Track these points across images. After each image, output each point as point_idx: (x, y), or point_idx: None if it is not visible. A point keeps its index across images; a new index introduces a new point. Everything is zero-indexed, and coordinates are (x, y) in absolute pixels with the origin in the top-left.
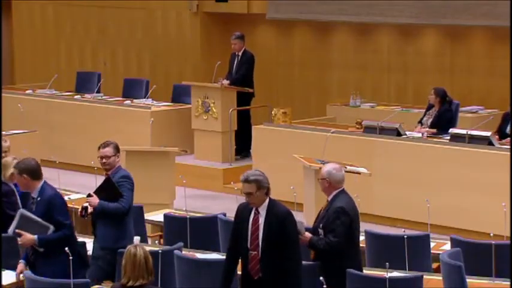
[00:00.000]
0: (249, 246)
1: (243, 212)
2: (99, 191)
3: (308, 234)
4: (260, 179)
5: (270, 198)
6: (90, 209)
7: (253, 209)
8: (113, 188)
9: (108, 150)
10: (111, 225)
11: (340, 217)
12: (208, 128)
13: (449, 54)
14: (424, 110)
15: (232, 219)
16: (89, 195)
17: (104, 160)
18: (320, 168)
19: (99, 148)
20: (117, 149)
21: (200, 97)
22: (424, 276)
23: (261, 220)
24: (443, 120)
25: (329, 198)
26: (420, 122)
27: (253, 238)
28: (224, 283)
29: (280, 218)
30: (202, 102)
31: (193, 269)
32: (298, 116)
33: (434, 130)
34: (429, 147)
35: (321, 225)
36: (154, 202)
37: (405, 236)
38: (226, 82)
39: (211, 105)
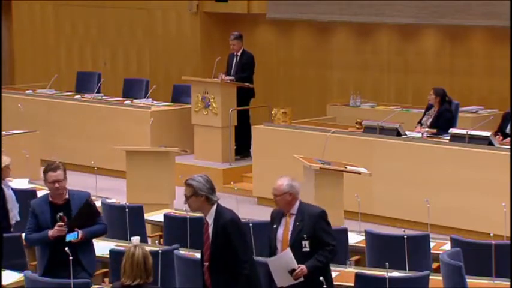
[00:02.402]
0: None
1: (203, 222)
2: (79, 219)
3: (302, 267)
4: (195, 185)
5: (218, 207)
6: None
7: (204, 218)
8: (93, 212)
9: (60, 173)
10: (91, 249)
11: (327, 219)
12: (208, 123)
13: (449, 54)
14: (423, 110)
15: None
16: (60, 218)
17: (56, 184)
18: (320, 168)
19: (47, 171)
20: (65, 170)
21: (200, 92)
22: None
23: (210, 230)
24: (443, 120)
25: (293, 211)
26: (420, 122)
27: (205, 249)
28: None
29: (224, 227)
30: (202, 97)
31: (193, 269)
32: (298, 116)
33: (435, 130)
34: (429, 147)
35: (304, 236)
36: (154, 202)
37: (405, 236)
38: (227, 77)
39: (211, 100)
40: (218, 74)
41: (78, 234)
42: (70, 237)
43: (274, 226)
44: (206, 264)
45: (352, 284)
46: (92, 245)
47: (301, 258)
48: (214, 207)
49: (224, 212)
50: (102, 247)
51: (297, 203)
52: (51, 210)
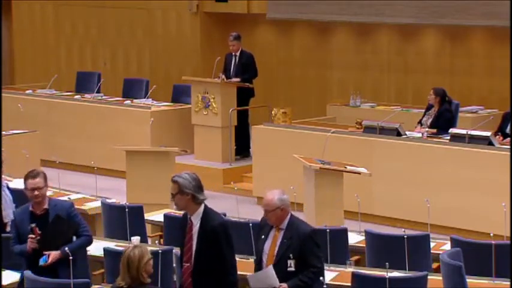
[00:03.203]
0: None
1: (182, 220)
2: (50, 234)
3: (284, 286)
4: (181, 182)
5: (206, 208)
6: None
7: (188, 217)
8: (68, 225)
9: (40, 181)
10: (77, 266)
11: (317, 241)
12: (208, 123)
13: (449, 54)
14: (423, 110)
15: (233, 219)
16: (32, 230)
17: (36, 192)
18: (320, 168)
19: (26, 179)
20: (46, 178)
21: (200, 92)
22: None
23: (195, 230)
24: (443, 120)
25: (282, 226)
26: (420, 122)
27: (186, 249)
28: None
29: (212, 231)
30: (202, 97)
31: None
32: (298, 116)
33: (435, 130)
34: (429, 147)
35: (290, 255)
36: (154, 202)
37: (405, 236)
38: (233, 79)
39: (211, 100)
40: (218, 74)
41: (46, 258)
42: (41, 261)
43: (262, 237)
44: (186, 265)
45: (353, 284)
46: (77, 261)
47: (286, 277)
48: (202, 207)
49: (213, 214)
50: (102, 247)
51: (287, 218)
52: (30, 220)
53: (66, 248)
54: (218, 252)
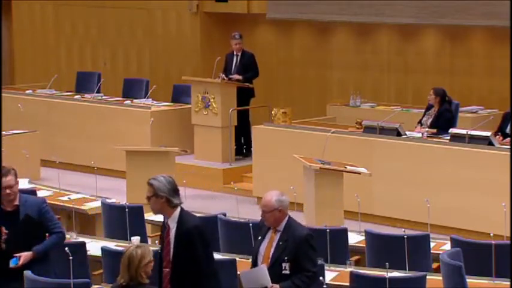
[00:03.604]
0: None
1: (163, 225)
2: (19, 235)
3: (276, 286)
4: (156, 185)
5: (182, 211)
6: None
7: (165, 221)
8: (37, 224)
9: (11, 179)
10: (48, 267)
11: (312, 244)
12: (208, 123)
13: (449, 54)
14: (423, 110)
15: (233, 219)
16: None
17: (7, 191)
18: (320, 168)
19: None
20: (16, 175)
21: (200, 92)
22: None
23: (172, 234)
24: (443, 120)
25: (280, 228)
26: (420, 122)
27: (164, 254)
28: None
29: (187, 234)
30: (202, 97)
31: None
32: (298, 116)
33: (435, 130)
34: (429, 147)
35: (285, 258)
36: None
37: (405, 236)
38: (235, 76)
39: (211, 100)
40: (218, 74)
41: (17, 260)
42: (11, 263)
43: (259, 238)
44: (166, 270)
45: (352, 284)
46: (47, 261)
47: (280, 279)
48: (178, 211)
49: (188, 217)
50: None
51: (285, 220)
52: (0, 218)
53: (37, 248)
54: (194, 255)
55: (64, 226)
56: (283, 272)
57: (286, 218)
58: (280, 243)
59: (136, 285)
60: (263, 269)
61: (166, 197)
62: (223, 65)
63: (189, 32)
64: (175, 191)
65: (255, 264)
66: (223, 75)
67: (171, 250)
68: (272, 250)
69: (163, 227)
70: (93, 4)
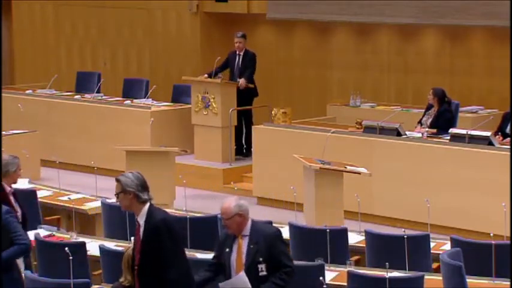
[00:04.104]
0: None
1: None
2: None
3: None
4: (123, 181)
5: (151, 207)
6: None
7: (136, 219)
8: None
9: None
10: (12, 277)
11: (283, 239)
12: (208, 123)
13: (449, 54)
14: (423, 110)
15: None
16: None
17: None
18: (320, 168)
19: None
20: None
21: (200, 92)
22: (424, 276)
23: (141, 231)
24: (443, 120)
25: (245, 233)
26: (420, 122)
27: (136, 251)
28: None
29: (155, 228)
30: (202, 97)
31: (193, 269)
32: (298, 116)
33: (435, 130)
34: (429, 147)
35: (260, 259)
36: (154, 202)
37: (405, 236)
38: (243, 81)
39: (211, 100)
40: (212, 70)
41: None
42: None
43: (227, 250)
44: (137, 268)
45: (350, 284)
46: (12, 270)
47: (258, 282)
48: (146, 207)
49: (156, 212)
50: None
51: (249, 224)
52: None
53: None
54: (160, 248)
55: (64, 226)
56: (260, 273)
57: (250, 222)
58: (251, 246)
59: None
60: (242, 277)
61: (134, 192)
62: (223, 61)
63: (189, 32)
64: (143, 187)
65: (229, 277)
66: (220, 75)
67: (140, 247)
68: (243, 256)
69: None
70: (93, 4)
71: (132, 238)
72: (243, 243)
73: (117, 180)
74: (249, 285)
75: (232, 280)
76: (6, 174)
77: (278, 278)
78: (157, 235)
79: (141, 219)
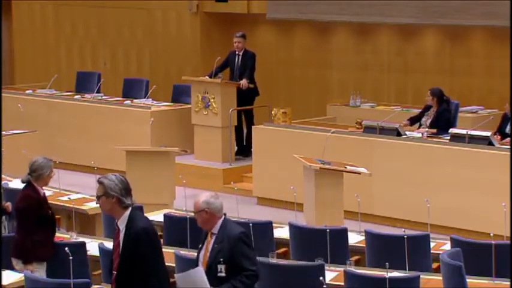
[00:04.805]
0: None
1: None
2: None
3: None
4: (106, 184)
5: (132, 212)
6: None
7: (115, 223)
8: None
9: None
10: None
11: (247, 242)
12: (208, 123)
13: (449, 54)
14: (419, 110)
15: (233, 219)
16: None
17: None
18: (320, 168)
19: None
20: None
21: (200, 92)
22: (424, 276)
23: (121, 236)
24: (443, 120)
25: (214, 231)
26: (410, 120)
27: (114, 256)
28: None
29: (136, 235)
30: (202, 97)
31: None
32: (298, 116)
33: (435, 130)
34: (429, 147)
35: (220, 259)
36: (154, 202)
37: (405, 236)
38: (245, 82)
39: (211, 100)
40: (212, 70)
41: None
42: None
43: (200, 246)
44: (115, 273)
45: (348, 284)
46: None
47: (216, 283)
48: (128, 212)
49: (138, 218)
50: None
51: (219, 222)
52: None
53: None
54: (141, 257)
55: (64, 226)
56: (219, 274)
57: (221, 220)
58: (216, 245)
59: None
60: (200, 271)
61: (117, 196)
62: (223, 60)
63: (189, 32)
64: (127, 191)
65: None
66: (220, 75)
67: (120, 253)
68: (208, 254)
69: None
70: (93, 4)
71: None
72: (211, 241)
73: (100, 183)
74: (206, 281)
75: (189, 272)
76: (40, 177)
77: (238, 281)
78: (138, 243)
79: (122, 224)
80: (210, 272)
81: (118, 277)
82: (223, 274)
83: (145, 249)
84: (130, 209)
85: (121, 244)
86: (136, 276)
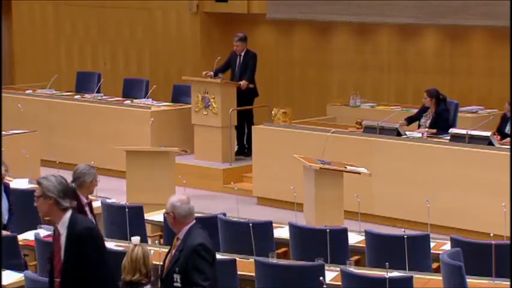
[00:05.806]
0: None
1: (54, 231)
2: None
3: None
4: (45, 185)
5: (73, 215)
6: None
7: (55, 226)
8: None
9: None
10: None
11: (203, 255)
12: (208, 123)
13: (449, 54)
14: (416, 110)
15: (233, 219)
16: None
17: None
18: (320, 168)
19: None
20: None
21: (200, 92)
22: (424, 276)
23: (62, 240)
24: (442, 121)
25: (180, 236)
26: (407, 119)
27: (55, 262)
28: None
29: (78, 237)
30: (202, 97)
31: None
32: (298, 116)
33: (434, 130)
34: (429, 147)
35: (176, 269)
36: (154, 202)
37: (405, 236)
38: (244, 83)
39: (211, 100)
40: (212, 70)
41: None
42: None
43: (169, 249)
44: (57, 280)
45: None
46: None
47: None
48: (68, 214)
49: (79, 220)
50: None
51: (185, 228)
52: None
53: None
54: (85, 259)
55: None
56: (175, 284)
57: (188, 227)
58: (176, 253)
59: (141, 281)
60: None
61: (54, 198)
62: (225, 60)
63: (189, 32)
64: (65, 193)
65: (160, 276)
66: (210, 73)
67: (62, 258)
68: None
69: (53, 233)
70: (93, 4)
71: (134, 238)
72: (176, 247)
73: (38, 183)
74: None
75: None
76: (83, 184)
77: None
78: (81, 245)
79: (62, 228)
80: (167, 279)
81: (62, 283)
82: (178, 284)
83: (89, 250)
84: (70, 211)
85: (62, 248)
86: (81, 280)
